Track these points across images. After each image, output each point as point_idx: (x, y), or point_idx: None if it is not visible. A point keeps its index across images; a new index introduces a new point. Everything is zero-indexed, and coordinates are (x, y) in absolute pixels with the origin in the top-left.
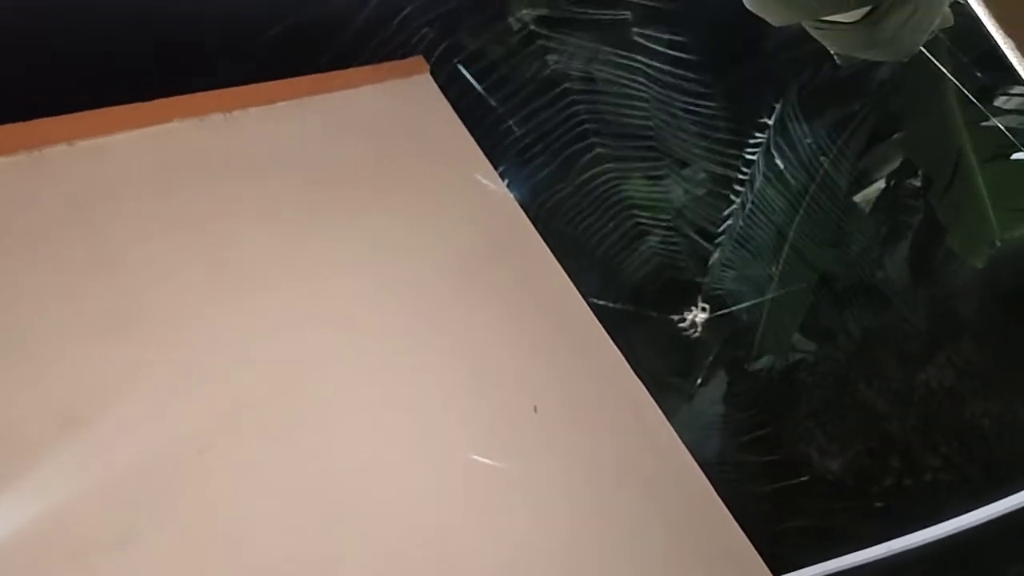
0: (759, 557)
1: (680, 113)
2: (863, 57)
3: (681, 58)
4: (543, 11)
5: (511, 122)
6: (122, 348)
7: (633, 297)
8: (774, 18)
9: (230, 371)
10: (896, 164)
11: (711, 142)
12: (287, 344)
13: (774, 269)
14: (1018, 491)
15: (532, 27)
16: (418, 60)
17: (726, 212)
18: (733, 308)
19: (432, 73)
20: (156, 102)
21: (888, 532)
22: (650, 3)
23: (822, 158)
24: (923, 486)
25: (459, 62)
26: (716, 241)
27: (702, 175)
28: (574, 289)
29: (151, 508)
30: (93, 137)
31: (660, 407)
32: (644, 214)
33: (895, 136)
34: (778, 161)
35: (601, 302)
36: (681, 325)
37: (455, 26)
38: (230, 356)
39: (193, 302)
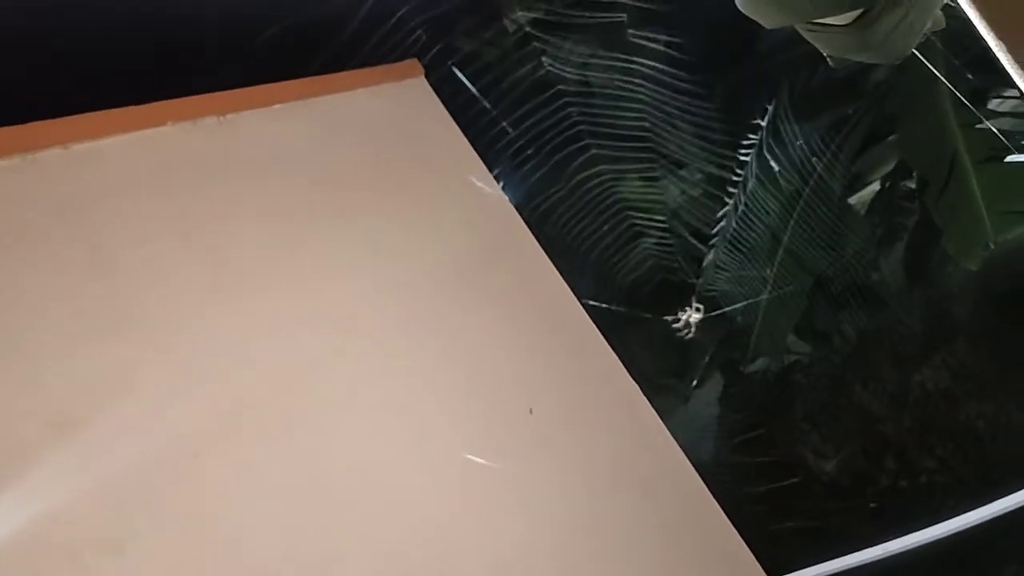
0: (754, 559)
1: (675, 115)
2: (855, 59)
3: (676, 60)
4: (538, 13)
5: (505, 123)
6: (117, 350)
7: (628, 298)
8: (766, 20)
9: (226, 373)
10: (891, 166)
11: (706, 143)
12: (283, 346)
13: (768, 272)
14: (1013, 492)
15: (527, 29)
16: (412, 63)
17: (720, 213)
18: (727, 309)
19: (427, 75)
20: (150, 105)
21: (884, 534)
22: (645, 5)
23: (815, 160)
24: (918, 488)
25: (454, 64)
26: (711, 243)
27: (697, 176)
28: (569, 291)
29: (148, 511)
30: (87, 140)
31: (655, 409)
32: (639, 215)
33: (890, 138)
34: (772, 164)
35: (596, 303)
36: (675, 326)
37: (450, 28)
38: (226, 358)
39: (188, 304)
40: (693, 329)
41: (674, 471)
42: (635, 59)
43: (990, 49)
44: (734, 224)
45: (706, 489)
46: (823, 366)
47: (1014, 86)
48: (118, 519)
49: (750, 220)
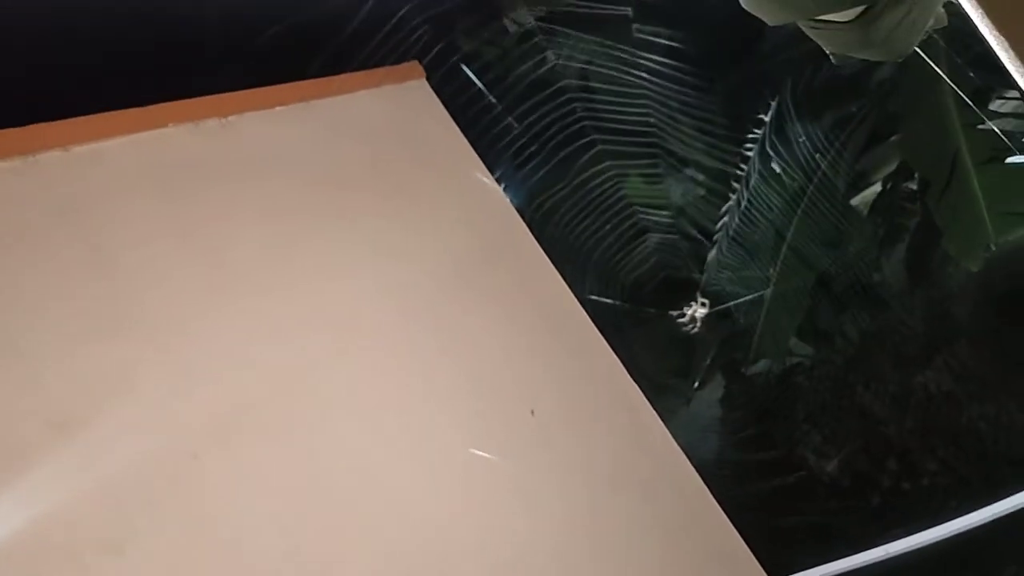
0: (755, 560)
1: (680, 110)
2: (858, 57)
3: (681, 55)
4: (542, 9)
5: (511, 118)
6: (117, 351)
7: (632, 295)
8: (769, 17)
9: (225, 373)
10: (893, 167)
11: (711, 139)
12: (283, 347)
13: (771, 271)
14: (1014, 493)
15: (531, 24)
16: (413, 65)
17: (723, 209)
18: (732, 303)
19: (429, 72)
20: (151, 107)
21: (886, 535)
22: (650, 0)
23: (818, 156)
24: (920, 489)
25: (457, 60)
26: (714, 238)
27: (702, 172)
28: (569, 291)
29: (147, 511)
30: (88, 142)
31: (657, 409)
32: (644, 211)
33: (892, 138)
34: (774, 164)
35: (601, 299)
36: (681, 320)
37: (453, 25)
38: (226, 358)
39: (188, 305)
40: (699, 324)
41: (675, 472)
42: (640, 54)
43: (991, 47)
44: (737, 220)
45: (707, 490)
46: (825, 368)
47: (1015, 85)
48: (118, 519)
49: (753, 216)
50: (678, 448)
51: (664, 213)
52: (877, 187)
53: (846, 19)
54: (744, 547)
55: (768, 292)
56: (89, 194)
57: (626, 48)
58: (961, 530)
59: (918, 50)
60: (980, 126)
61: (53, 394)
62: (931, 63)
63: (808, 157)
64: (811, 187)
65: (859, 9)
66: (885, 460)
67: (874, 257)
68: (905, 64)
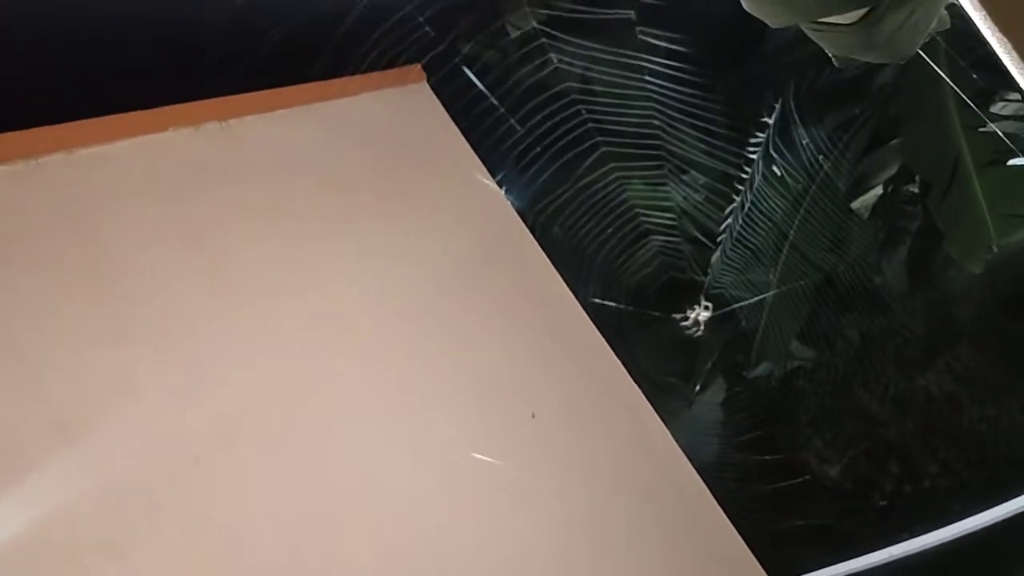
0: (757, 563)
1: (684, 112)
2: (860, 59)
3: (684, 57)
4: (545, 11)
5: (512, 121)
6: (119, 354)
7: (636, 297)
8: (771, 19)
9: (228, 377)
10: (894, 170)
11: (716, 140)
12: (284, 350)
13: (772, 276)
14: (1017, 496)
15: (534, 26)
16: (414, 68)
17: (727, 211)
18: (735, 306)
19: (430, 76)
20: (153, 111)
21: (888, 538)
22: (653, 2)
23: (821, 157)
24: (922, 492)
25: (458, 63)
26: (718, 240)
27: (706, 175)
28: (571, 294)
29: (149, 514)
30: (91, 145)
31: (659, 412)
32: (648, 213)
33: (893, 142)
34: (776, 167)
35: (604, 302)
36: (684, 324)
37: (453, 28)
38: (228, 362)
39: (191, 308)
40: (702, 327)
41: (676, 475)
42: (643, 57)
43: (993, 49)
44: (740, 222)
45: (708, 493)
46: (826, 371)
47: (1017, 87)
48: (119, 522)
49: (756, 218)
50: (680, 451)
51: (667, 216)
52: (879, 190)
53: (848, 21)
54: (746, 550)
55: (770, 295)
56: (92, 197)
57: (628, 51)
58: (964, 532)
59: (920, 52)
60: (982, 128)
61: (56, 397)
62: (933, 65)
63: (811, 160)
64: (813, 189)
65: (862, 11)
66: (887, 462)
67: (875, 260)
68: (907, 66)
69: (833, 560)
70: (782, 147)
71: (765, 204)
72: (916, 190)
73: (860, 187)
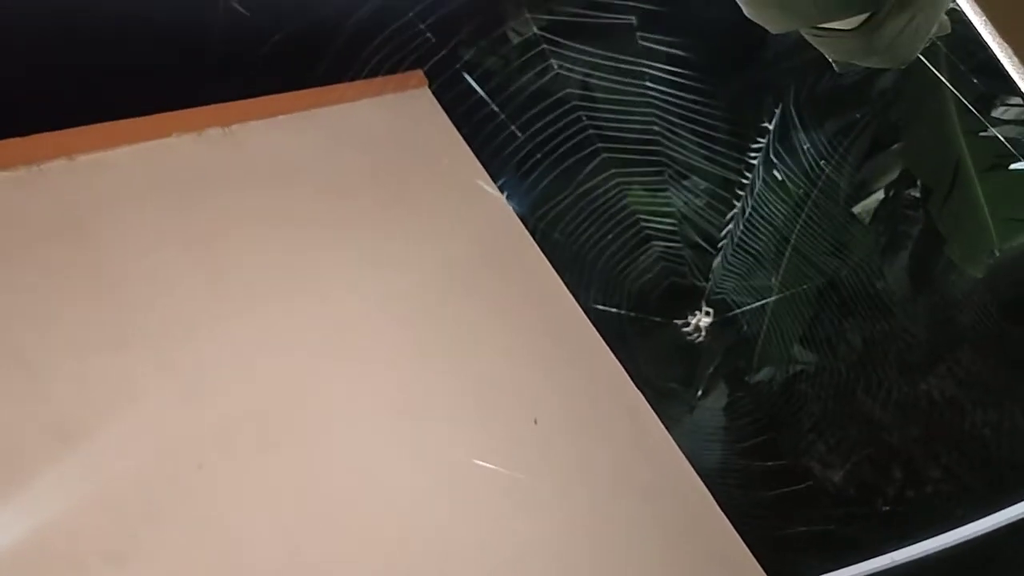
0: (760, 568)
1: (684, 118)
2: (861, 64)
3: (684, 63)
4: (546, 17)
5: (514, 127)
6: (121, 361)
7: (637, 303)
8: (772, 25)
9: (229, 383)
10: (895, 175)
11: (717, 144)
12: (286, 356)
13: (774, 280)
14: (1020, 500)
15: (535, 32)
16: (416, 74)
17: (728, 216)
18: (736, 312)
19: (431, 81)
20: (155, 116)
21: (891, 543)
22: (654, 7)
23: (822, 162)
24: (925, 497)
25: (459, 69)
26: (719, 246)
27: (707, 180)
28: (572, 300)
29: (151, 521)
30: (92, 152)
31: (661, 417)
32: (648, 219)
33: (894, 147)
34: (777, 172)
35: (605, 308)
36: (685, 329)
37: (455, 33)
38: (230, 368)
39: (193, 315)
40: (703, 333)
41: (679, 480)
42: (643, 62)
43: (994, 54)
44: (741, 227)
45: (711, 498)
46: (828, 375)
47: (1019, 92)
48: (121, 530)
49: (758, 223)
50: (682, 456)
51: (668, 221)
52: (880, 194)
53: (849, 26)
54: (749, 555)
55: (772, 299)
56: (94, 203)
57: (629, 57)
58: (967, 537)
59: (921, 57)
60: (983, 133)
61: (57, 404)
62: (934, 70)
63: (812, 164)
64: (815, 194)
65: (862, 17)
66: (890, 468)
67: (877, 264)
68: (908, 71)
69: (836, 566)
70: (783, 152)
71: (766, 209)
72: (917, 194)
73: (861, 192)
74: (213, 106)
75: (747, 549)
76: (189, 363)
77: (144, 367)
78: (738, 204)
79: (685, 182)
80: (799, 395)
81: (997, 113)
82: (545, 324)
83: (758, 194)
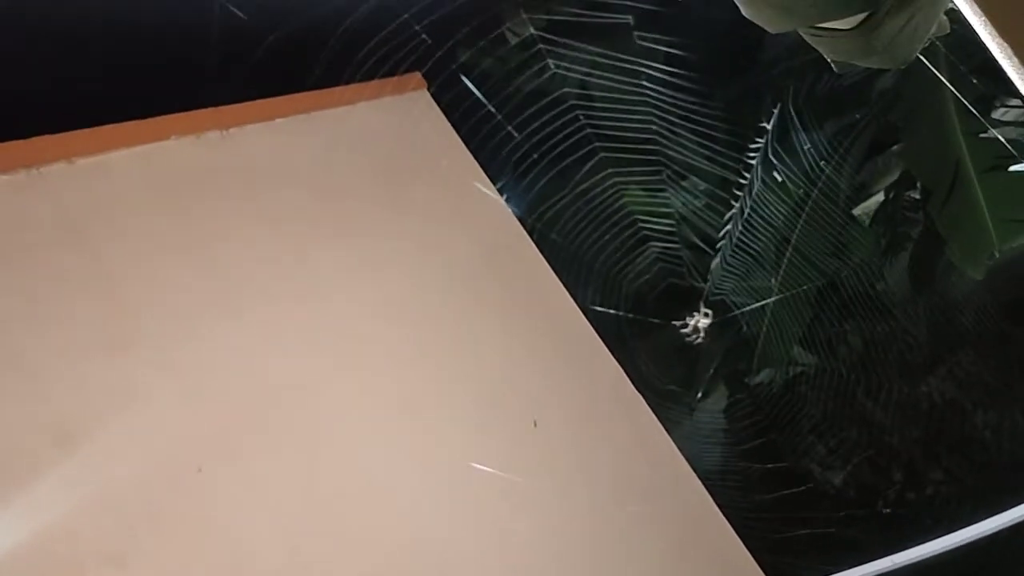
0: (760, 571)
1: (682, 118)
2: (859, 64)
3: (683, 63)
4: (543, 17)
5: (510, 127)
6: (121, 364)
7: (636, 304)
8: (770, 25)
9: (229, 386)
10: (895, 176)
11: (715, 144)
12: (285, 359)
13: (773, 281)
14: (1021, 502)
15: (532, 32)
16: (414, 76)
17: (726, 217)
18: (735, 313)
19: (429, 83)
20: (153, 119)
21: (891, 546)
22: (651, 7)
23: (822, 163)
24: (926, 499)
25: (457, 70)
26: (718, 246)
27: (705, 181)
28: (572, 302)
29: (151, 524)
30: (92, 155)
31: (660, 420)
32: (647, 220)
33: (894, 148)
34: (777, 173)
35: (603, 309)
36: (684, 331)
37: (452, 34)
38: (229, 371)
39: (191, 318)
40: (702, 334)
41: (679, 483)
42: (641, 62)
43: (994, 55)
44: (740, 228)
45: (711, 500)
46: (828, 377)
47: (1018, 93)
48: (121, 532)
49: (757, 224)
50: (682, 458)
51: (666, 222)
52: (880, 196)
53: (848, 26)
54: (749, 558)
55: (771, 301)
56: (93, 206)
57: (627, 56)
58: (968, 539)
59: (921, 58)
60: (983, 134)
61: (57, 406)
62: (933, 70)
63: (812, 165)
64: (815, 195)
65: (861, 16)
66: (890, 469)
67: (877, 265)
68: (907, 72)
69: (836, 568)
70: (782, 153)
71: (766, 210)
72: (917, 196)
73: (861, 193)
74: (211, 109)
75: (747, 552)
76: (188, 365)
77: (143, 369)
78: (736, 204)
79: (683, 182)
80: (799, 397)
81: (997, 114)
82: (544, 326)
83: (757, 194)
